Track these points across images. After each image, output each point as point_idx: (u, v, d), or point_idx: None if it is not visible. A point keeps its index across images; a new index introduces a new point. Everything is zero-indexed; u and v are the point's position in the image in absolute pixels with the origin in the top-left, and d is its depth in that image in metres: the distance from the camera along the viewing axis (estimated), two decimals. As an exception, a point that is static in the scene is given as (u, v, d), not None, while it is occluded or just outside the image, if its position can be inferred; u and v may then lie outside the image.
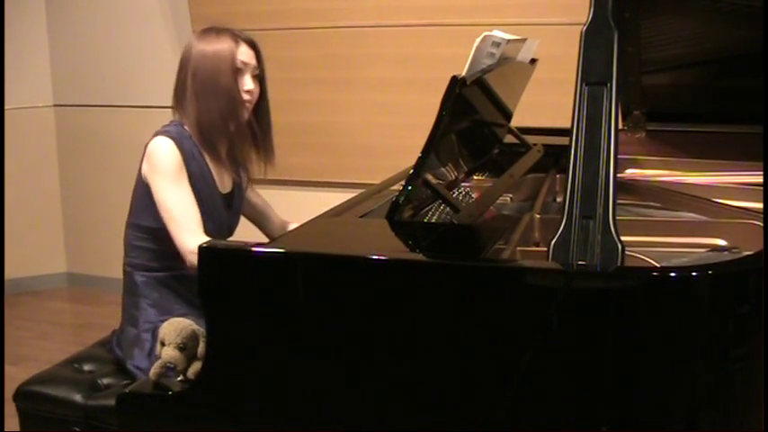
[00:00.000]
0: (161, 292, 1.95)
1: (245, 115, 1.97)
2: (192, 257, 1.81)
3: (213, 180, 1.98)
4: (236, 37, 1.96)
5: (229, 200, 2.05)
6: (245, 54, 1.95)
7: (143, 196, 1.92)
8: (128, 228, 1.99)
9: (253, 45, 1.98)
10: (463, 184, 1.97)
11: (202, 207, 1.91)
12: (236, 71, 1.93)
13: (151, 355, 1.83)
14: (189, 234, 1.83)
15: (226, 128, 1.96)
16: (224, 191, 2.02)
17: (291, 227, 2.20)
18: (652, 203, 1.92)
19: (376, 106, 3.66)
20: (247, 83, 1.95)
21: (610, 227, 1.26)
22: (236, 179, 2.06)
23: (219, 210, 2.00)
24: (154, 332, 1.84)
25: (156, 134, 1.92)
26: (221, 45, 1.93)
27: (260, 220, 2.23)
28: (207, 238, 1.82)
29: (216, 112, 1.92)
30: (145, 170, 1.91)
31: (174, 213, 1.85)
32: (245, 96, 1.95)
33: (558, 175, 2.16)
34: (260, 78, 2.00)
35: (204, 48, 1.94)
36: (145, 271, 1.96)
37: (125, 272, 2.01)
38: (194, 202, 1.89)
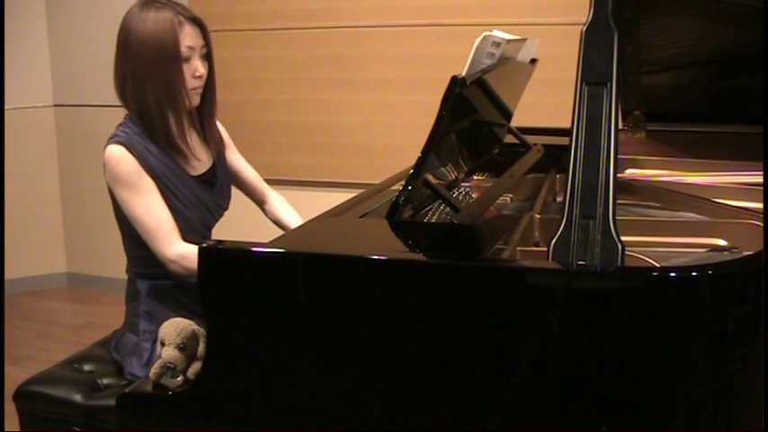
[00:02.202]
0: (162, 302, 1.92)
1: (191, 103, 1.88)
2: (172, 266, 1.81)
3: (180, 166, 1.90)
4: (178, 16, 1.81)
5: (209, 178, 1.97)
6: (190, 36, 1.83)
7: (117, 207, 1.88)
8: (122, 238, 1.96)
9: (197, 22, 1.85)
10: (463, 184, 1.97)
11: (177, 198, 1.87)
12: (183, 59, 1.82)
13: (149, 365, 1.82)
14: (163, 243, 1.80)
15: (164, 118, 1.85)
16: (197, 172, 1.94)
17: (281, 207, 2.18)
18: (652, 203, 1.92)
19: (376, 106, 3.66)
20: (197, 67, 1.84)
21: (610, 227, 1.26)
22: (211, 155, 1.99)
23: (199, 194, 1.93)
24: (153, 342, 1.82)
25: (107, 144, 1.85)
26: (163, 30, 1.78)
27: (252, 198, 2.19)
28: (183, 244, 1.81)
29: (153, 101, 1.82)
30: (106, 181, 1.86)
31: (143, 225, 1.81)
32: (196, 83, 1.86)
33: (558, 175, 2.16)
34: (207, 56, 1.89)
35: (143, 31, 1.79)
36: (147, 279, 1.93)
37: (128, 278, 1.99)
38: (162, 205, 1.82)
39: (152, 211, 1.81)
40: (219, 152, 2.02)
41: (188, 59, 1.84)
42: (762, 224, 1.58)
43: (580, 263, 1.27)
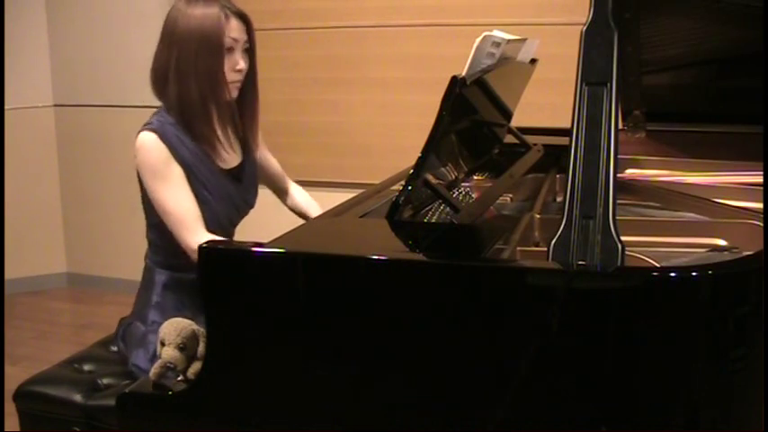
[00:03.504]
0: (176, 295, 1.93)
1: (230, 96, 1.89)
2: (195, 255, 1.81)
3: (210, 158, 1.91)
4: (225, 9, 1.84)
5: (238, 174, 1.99)
6: (235, 30, 1.85)
7: (145, 194, 1.90)
8: (146, 226, 1.98)
9: (243, 17, 1.88)
10: (463, 184, 1.97)
11: (206, 189, 1.88)
12: (226, 50, 1.84)
13: (154, 359, 1.82)
14: (188, 232, 1.80)
15: (207, 110, 1.87)
16: (228, 166, 1.96)
17: (299, 196, 2.22)
18: (652, 203, 1.92)
19: (376, 106, 3.66)
20: (238, 61, 1.86)
21: (610, 227, 1.26)
22: (244, 151, 2.01)
23: (227, 187, 1.95)
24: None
25: (140, 130, 1.87)
26: (210, 20, 1.81)
27: (276, 191, 2.23)
28: (206, 234, 1.81)
29: (196, 93, 1.84)
30: (136, 167, 1.88)
31: (169, 212, 1.82)
32: (236, 76, 1.88)
33: (558, 175, 2.16)
34: (250, 52, 1.91)
35: (189, 23, 1.82)
36: (166, 268, 1.94)
37: (146, 266, 2.00)
38: (189, 195, 1.84)
39: (179, 199, 1.82)
40: (251, 150, 2.04)
41: (230, 51, 1.85)
42: (762, 224, 1.58)
43: (580, 263, 1.27)
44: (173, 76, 1.85)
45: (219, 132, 1.91)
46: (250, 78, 1.95)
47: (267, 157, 2.18)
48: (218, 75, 1.84)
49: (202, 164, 1.89)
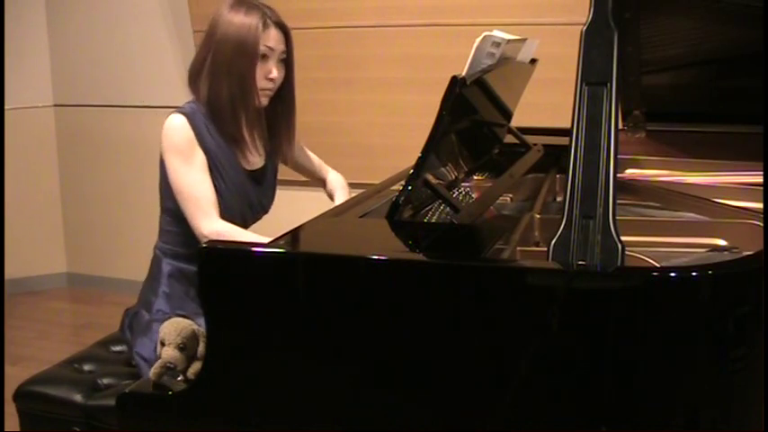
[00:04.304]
0: (182, 285, 1.95)
1: (259, 102, 1.91)
2: (204, 240, 1.80)
3: (234, 155, 1.94)
4: (266, 17, 1.87)
5: (259, 176, 2.01)
6: (272, 38, 1.88)
7: (164, 176, 1.91)
8: (160, 212, 1.99)
9: (283, 27, 1.91)
10: (463, 184, 1.97)
11: (224, 181, 1.90)
12: (260, 56, 1.86)
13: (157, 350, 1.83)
14: (203, 216, 1.82)
15: (236, 113, 1.90)
16: (251, 167, 1.99)
17: (334, 183, 2.25)
18: (652, 203, 1.92)
19: (376, 106, 3.66)
20: (271, 70, 1.88)
21: (610, 227, 1.26)
22: (266, 158, 2.03)
23: (245, 185, 1.97)
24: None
25: (172, 112, 1.90)
26: (248, 26, 1.84)
27: (316, 182, 2.26)
28: (221, 221, 1.83)
29: (226, 95, 1.87)
30: (161, 149, 1.89)
31: (185, 194, 1.84)
32: (267, 84, 1.90)
33: (558, 175, 2.16)
34: (287, 63, 1.94)
35: (229, 26, 1.85)
36: (172, 258, 1.95)
37: (154, 255, 2.01)
38: (208, 181, 1.86)
39: (197, 182, 1.85)
40: (275, 156, 2.07)
41: (265, 58, 1.88)
42: (762, 224, 1.58)
43: (580, 263, 1.27)
44: (206, 75, 1.89)
45: (246, 135, 1.95)
46: (286, 89, 1.98)
47: (303, 155, 2.21)
48: (250, 80, 1.86)
49: (225, 157, 1.92)
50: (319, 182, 2.29)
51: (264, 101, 1.93)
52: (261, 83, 1.89)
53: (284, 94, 1.98)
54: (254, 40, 1.85)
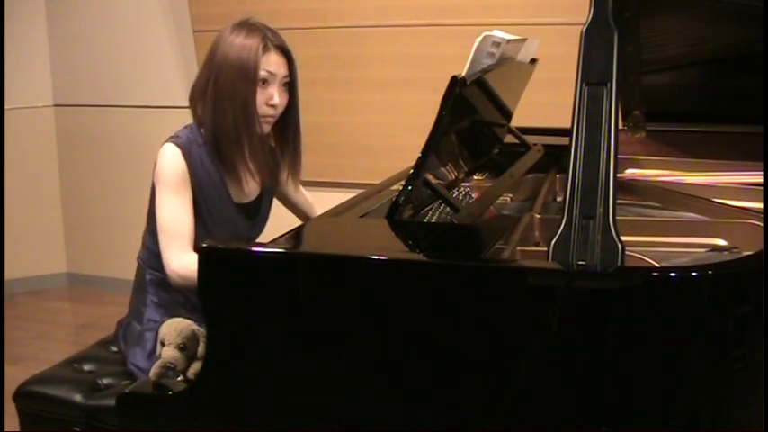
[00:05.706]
0: (169, 293, 1.92)
1: (261, 129, 1.85)
2: (173, 276, 1.80)
3: (226, 189, 1.89)
4: (267, 40, 1.81)
5: (251, 209, 1.96)
6: (273, 63, 1.81)
7: (153, 200, 1.88)
8: (146, 227, 1.97)
9: (284, 51, 1.84)
10: (463, 184, 1.97)
11: (211, 214, 1.87)
12: (261, 81, 1.80)
13: (152, 357, 1.82)
14: (175, 251, 1.78)
15: (239, 139, 1.83)
16: (242, 200, 1.94)
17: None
18: (652, 203, 1.92)
19: (376, 106, 3.66)
20: (273, 95, 1.82)
21: (610, 227, 1.26)
22: (263, 188, 1.97)
23: (234, 219, 1.92)
24: (157, 332, 1.83)
25: (168, 139, 1.85)
26: (248, 48, 1.79)
27: (302, 219, 2.19)
28: (190, 254, 1.78)
29: (230, 121, 1.81)
30: (153, 174, 1.86)
31: (164, 226, 1.81)
32: (268, 111, 1.83)
33: (558, 175, 2.16)
34: (290, 86, 1.87)
35: (230, 48, 1.80)
36: (155, 270, 1.93)
37: (138, 266, 2.00)
38: (189, 216, 1.81)
39: (179, 218, 1.80)
40: (272, 187, 2.01)
41: (265, 84, 1.82)
42: (762, 224, 1.58)
43: (580, 263, 1.27)
44: (210, 100, 1.83)
45: (248, 162, 1.88)
46: (291, 116, 1.91)
47: (299, 192, 2.16)
48: (252, 105, 1.80)
49: (215, 190, 1.87)
50: (305, 220, 2.20)
51: (266, 128, 1.87)
52: (261, 109, 1.83)
53: (289, 120, 1.92)
54: (254, 63, 1.78)
